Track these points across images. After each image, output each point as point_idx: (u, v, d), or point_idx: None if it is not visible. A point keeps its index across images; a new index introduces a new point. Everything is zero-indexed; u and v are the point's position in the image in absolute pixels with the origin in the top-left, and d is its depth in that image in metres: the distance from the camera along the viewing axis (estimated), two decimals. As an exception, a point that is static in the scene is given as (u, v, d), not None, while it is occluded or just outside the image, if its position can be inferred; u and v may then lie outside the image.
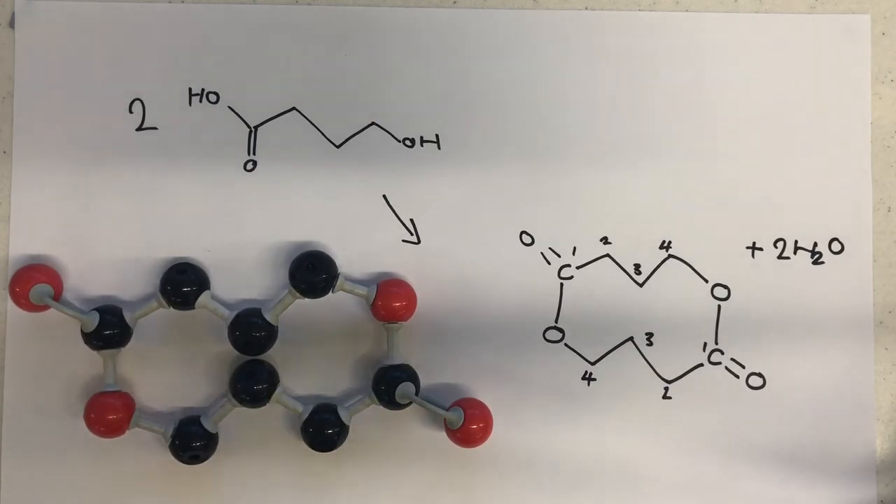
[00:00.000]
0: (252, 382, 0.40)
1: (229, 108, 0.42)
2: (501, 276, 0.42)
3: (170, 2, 0.42)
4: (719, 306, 0.43)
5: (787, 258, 0.43)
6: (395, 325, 0.41)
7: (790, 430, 0.43)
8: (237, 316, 0.40)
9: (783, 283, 0.43)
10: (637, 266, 0.43)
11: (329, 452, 0.41)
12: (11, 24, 0.41)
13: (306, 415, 0.41)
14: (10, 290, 0.40)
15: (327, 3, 0.42)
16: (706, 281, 0.43)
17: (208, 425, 0.40)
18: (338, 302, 0.41)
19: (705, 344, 0.43)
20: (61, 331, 0.41)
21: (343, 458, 0.41)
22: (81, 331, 0.40)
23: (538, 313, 0.42)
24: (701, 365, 0.43)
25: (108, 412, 0.39)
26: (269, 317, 0.40)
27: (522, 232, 0.42)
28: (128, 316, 0.40)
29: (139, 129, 0.41)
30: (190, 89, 0.42)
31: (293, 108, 0.42)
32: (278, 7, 0.42)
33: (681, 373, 0.43)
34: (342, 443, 0.41)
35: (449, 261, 0.42)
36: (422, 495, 0.42)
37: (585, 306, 0.42)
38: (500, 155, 0.42)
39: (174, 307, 0.40)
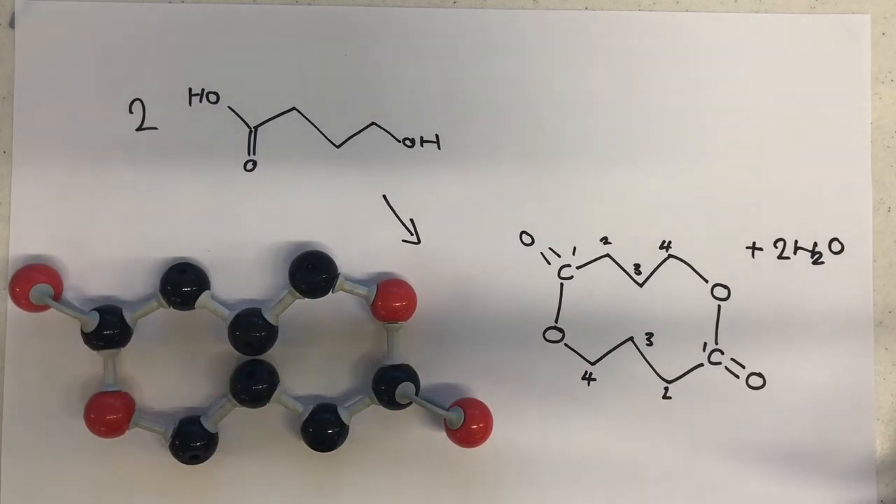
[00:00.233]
0: (252, 382, 0.40)
1: (229, 108, 0.42)
2: (501, 276, 0.42)
3: (170, 2, 0.42)
4: (719, 306, 0.43)
5: (787, 258, 0.43)
6: (395, 325, 0.41)
7: (790, 430, 0.43)
8: (237, 316, 0.40)
9: (783, 283, 0.43)
10: (637, 266, 0.43)
11: (329, 452, 0.41)
12: (11, 24, 0.41)
13: (306, 415, 0.41)
14: (10, 290, 0.40)
15: (327, 3, 0.42)
16: (706, 281, 0.43)
17: (208, 425, 0.40)
18: (338, 302, 0.41)
19: (705, 344, 0.43)
20: (61, 331, 0.41)
21: (343, 458, 0.41)
22: (81, 331, 0.40)
23: (538, 313, 0.42)
24: (701, 365, 0.43)
25: (108, 412, 0.39)
26: (269, 317, 0.40)
27: (522, 232, 0.42)
28: (128, 316, 0.40)
29: (139, 129, 0.41)
30: (190, 89, 0.42)
31: (293, 108, 0.42)
32: (278, 7, 0.42)
33: (681, 373, 0.43)
34: (342, 443, 0.41)
35: (449, 261, 0.42)
36: (422, 495, 0.42)
37: (585, 306, 0.42)
38: (500, 155, 0.42)
39: (174, 307, 0.40)
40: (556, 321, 0.42)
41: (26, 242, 0.41)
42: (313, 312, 0.41)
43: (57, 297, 0.40)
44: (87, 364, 0.41)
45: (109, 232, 0.41)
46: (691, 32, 0.43)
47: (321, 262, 0.41)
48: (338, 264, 0.41)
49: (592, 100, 0.43)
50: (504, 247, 0.42)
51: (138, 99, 0.42)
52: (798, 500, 0.43)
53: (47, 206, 0.41)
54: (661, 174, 0.43)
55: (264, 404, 0.40)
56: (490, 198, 0.42)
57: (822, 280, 0.43)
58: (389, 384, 0.40)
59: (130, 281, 0.41)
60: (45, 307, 0.40)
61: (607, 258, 0.43)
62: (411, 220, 0.42)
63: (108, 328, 0.39)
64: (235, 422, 0.41)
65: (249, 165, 0.42)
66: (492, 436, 0.41)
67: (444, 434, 0.41)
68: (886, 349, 0.43)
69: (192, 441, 0.40)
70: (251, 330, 0.40)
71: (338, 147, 0.42)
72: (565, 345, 0.42)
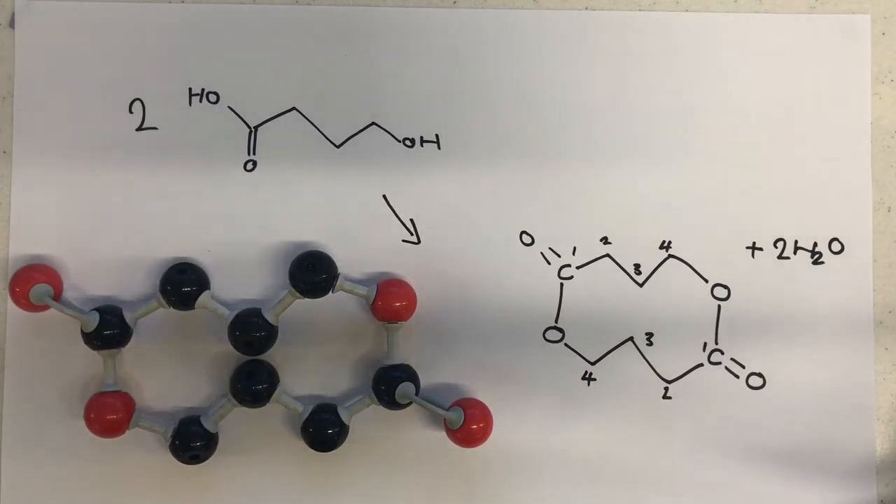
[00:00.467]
0: (252, 382, 0.40)
1: (229, 108, 0.42)
2: (501, 276, 0.42)
3: (170, 2, 0.42)
4: (719, 306, 0.43)
5: (787, 258, 0.43)
6: (395, 325, 0.41)
7: (790, 430, 0.43)
8: (237, 316, 0.40)
9: (783, 283, 0.43)
10: (637, 266, 0.43)
11: (329, 452, 0.41)
12: (11, 24, 0.41)
13: (306, 415, 0.41)
14: (10, 290, 0.40)
15: (327, 3, 0.42)
16: (706, 281, 0.43)
17: (208, 425, 0.40)
18: (338, 302, 0.41)
19: (705, 344, 0.43)
20: (61, 331, 0.41)
21: (343, 458, 0.41)
22: (81, 331, 0.40)
23: (538, 313, 0.42)
24: (701, 365, 0.43)
25: (108, 412, 0.39)
26: (269, 317, 0.40)
27: (522, 232, 0.42)
28: (128, 316, 0.40)
29: (139, 129, 0.41)
30: (190, 89, 0.42)
31: (293, 108, 0.42)
32: (278, 7, 0.42)
33: (681, 373, 0.43)
34: (342, 443, 0.41)
35: (449, 261, 0.42)
36: (422, 495, 0.42)
37: (585, 306, 0.42)
38: (500, 155, 0.42)
39: (174, 307, 0.40)
40: (556, 321, 0.42)
41: (26, 242, 0.41)
42: (313, 312, 0.41)
43: (57, 297, 0.40)
44: (87, 364, 0.41)
45: (109, 232, 0.41)
46: (691, 32, 0.43)
47: (321, 262, 0.41)
48: (338, 264, 0.41)
49: (592, 100, 0.43)
50: (504, 247, 0.42)
51: (138, 99, 0.42)
52: (798, 500, 0.43)
53: (47, 206, 0.41)
54: (661, 174, 0.43)
55: (264, 404, 0.40)
56: (490, 198, 0.42)
57: (822, 280, 0.43)
58: (389, 384, 0.40)
59: (130, 281, 0.41)
60: (45, 307, 0.40)
61: (607, 258, 0.43)
62: (411, 220, 0.42)
63: (108, 328, 0.39)
64: (235, 422, 0.41)
65: (249, 165, 0.42)
66: (492, 436, 0.41)
67: (444, 434, 0.41)
68: (886, 349, 0.43)
69: (192, 441, 0.40)
70: (251, 330, 0.40)
71: (338, 147, 0.42)
72: (565, 345, 0.42)
